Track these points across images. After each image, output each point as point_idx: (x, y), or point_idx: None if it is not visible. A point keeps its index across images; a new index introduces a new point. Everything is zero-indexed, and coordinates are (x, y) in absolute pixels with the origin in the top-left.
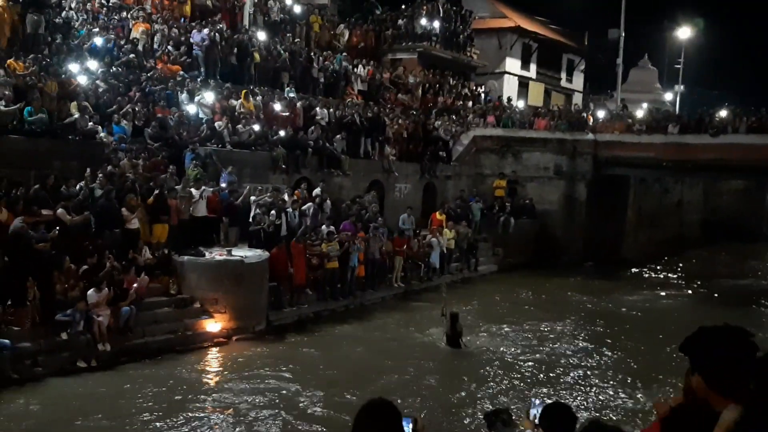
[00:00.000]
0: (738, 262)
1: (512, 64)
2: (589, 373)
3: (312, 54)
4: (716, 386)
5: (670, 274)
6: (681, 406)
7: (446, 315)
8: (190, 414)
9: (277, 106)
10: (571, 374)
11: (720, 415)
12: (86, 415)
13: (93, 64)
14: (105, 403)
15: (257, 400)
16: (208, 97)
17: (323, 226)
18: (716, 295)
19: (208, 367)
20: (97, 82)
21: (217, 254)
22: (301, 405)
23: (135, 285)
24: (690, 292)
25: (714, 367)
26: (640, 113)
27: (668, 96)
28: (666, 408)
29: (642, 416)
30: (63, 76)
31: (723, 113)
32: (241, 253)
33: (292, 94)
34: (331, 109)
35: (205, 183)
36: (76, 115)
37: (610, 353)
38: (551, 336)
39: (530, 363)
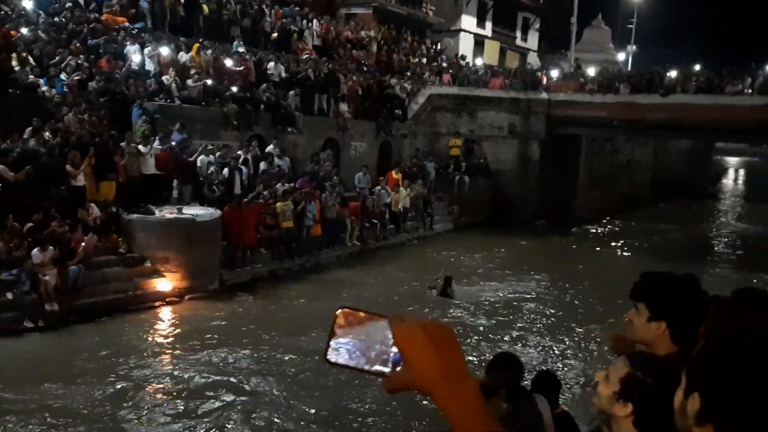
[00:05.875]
0: (684, 219)
1: (468, 22)
2: (548, 321)
3: (264, 6)
4: (679, 334)
5: (619, 231)
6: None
7: (437, 286)
8: (141, 373)
9: (228, 62)
10: (535, 324)
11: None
12: (34, 375)
13: (34, 15)
14: (53, 364)
15: (210, 358)
16: (163, 50)
17: (278, 185)
18: (663, 250)
19: (159, 326)
20: (39, 32)
21: (167, 212)
22: (254, 361)
23: (82, 244)
24: (639, 247)
25: (684, 315)
26: (592, 72)
27: (621, 56)
28: (621, 339)
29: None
30: (2, 27)
31: (673, 73)
32: (193, 211)
33: (241, 49)
34: (284, 65)
35: (160, 139)
36: (17, 68)
37: (566, 304)
38: (514, 289)
39: (497, 313)
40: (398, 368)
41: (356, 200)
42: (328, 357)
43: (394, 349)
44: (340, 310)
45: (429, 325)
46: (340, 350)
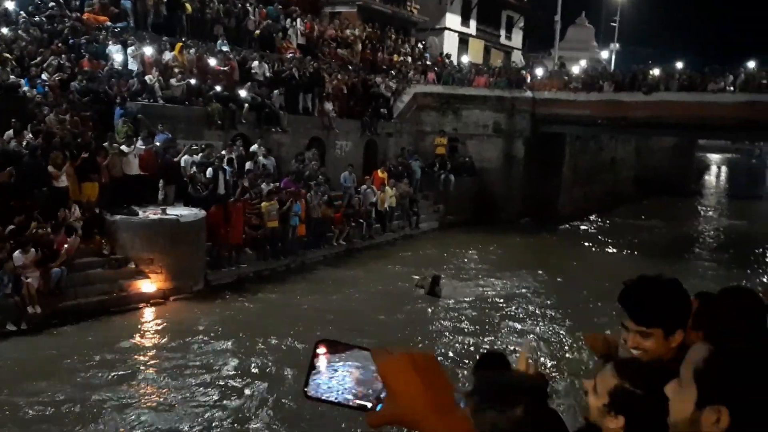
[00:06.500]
0: (668, 216)
1: (452, 20)
2: (533, 319)
3: (247, 5)
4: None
5: (604, 229)
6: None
7: (425, 285)
8: (126, 375)
9: (212, 61)
10: (520, 322)
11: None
12: (16, 378)
13: (14, 14)
14: (36, 367)
15: (195, 360)
16: (146, 50)
17: (263, 185)
18: (647, 246)
19: (144, 327)
20: (20, 32)
21: (151, 213)
22: (240, 362)
23: (65, 245)
24: (623, 244)
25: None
26: (576, 70)
27: (604, 54)
28: (599, 340)
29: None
30: None
31: (656, 71)
32: (177, 212)
33: (225, 48)
34: (269, 64)
35: (143, 139)
36: None
37: (552, 301)
38: (500, 287)
39: (482, 311)
40: (382, 402)
41: (342, 199)
42: (308, 391)
43: (378, 382)
44: (319, 342)
45: (415, 357)
46: (320, 384)
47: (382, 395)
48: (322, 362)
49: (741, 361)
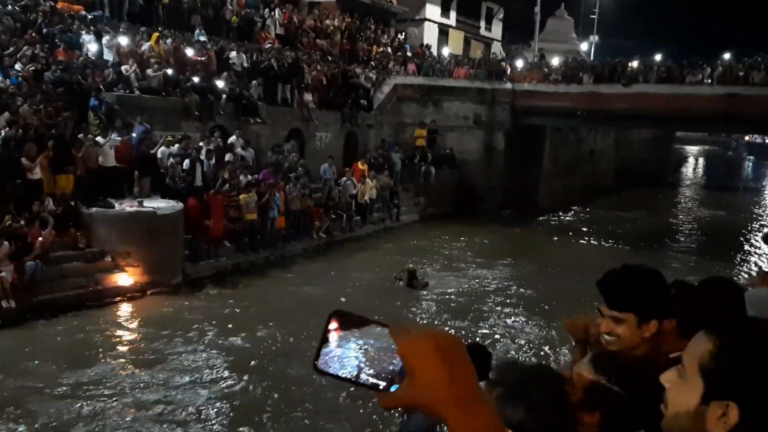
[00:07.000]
0: (646, 207)
1: (432, 11)
2: (514, 310)
3: None
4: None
5: (583, 220)
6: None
7: (403, 278)
8: (102, 371)
9: (189, 51)
10: (502, 313)
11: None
12: None
13: None
14: (10, 362)
15: (174, 352)
16: (122, 40)
17: (242, 176)
18: (626, 237)
19: (120, 321)
20: None
21: (127, 206)
22: (219, 356)
23: (40, 239)
24: (602, 235)
25: (668, 309)
26: (556, 62)
27: (584, 46)
28: (580, 325)
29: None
30: None
31: (635, 63)
32: (154, 204)
33: (202, 38)
34: (247, 54)
35: (117, 131)
36: None
37: (533, 292)
38: (482, 278)
39: (464, 303)
40: (396, 383)
41: (321, 191)
42: (318, 365)
43: (395, 361)
44: (333, 314)
45: (438, 338)
46: (332, 358)
47: (398, 376)
48: (335, 336)
49: (751, 355)
